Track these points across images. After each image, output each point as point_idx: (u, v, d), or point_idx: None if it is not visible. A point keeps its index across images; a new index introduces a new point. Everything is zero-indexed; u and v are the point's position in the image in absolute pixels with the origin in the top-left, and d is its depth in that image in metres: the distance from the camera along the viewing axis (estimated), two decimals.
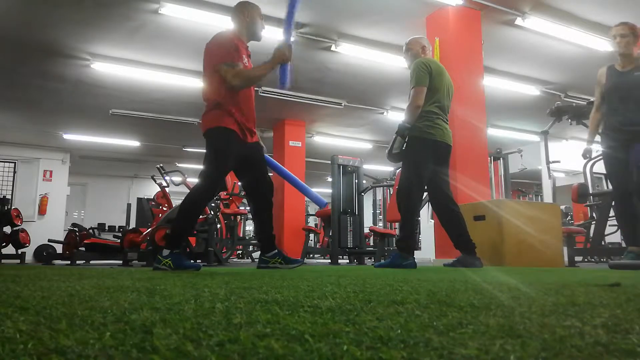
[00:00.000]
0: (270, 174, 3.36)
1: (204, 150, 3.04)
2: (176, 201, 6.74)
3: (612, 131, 3.65)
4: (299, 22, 6.16)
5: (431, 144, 3.49)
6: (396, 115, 9.16)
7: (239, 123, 3.01)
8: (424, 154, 3.50)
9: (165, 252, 2.91)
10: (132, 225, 11.79)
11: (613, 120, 3.64)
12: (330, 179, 7.94)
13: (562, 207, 6.54)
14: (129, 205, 13.13)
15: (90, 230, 8.87)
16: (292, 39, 3.19)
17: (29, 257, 8.94)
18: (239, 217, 7.63)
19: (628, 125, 3.55)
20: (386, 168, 12.77)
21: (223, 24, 5.88)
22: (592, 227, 6.48)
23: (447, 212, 3.60)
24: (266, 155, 3.36)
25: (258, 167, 3.21)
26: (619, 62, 3.78)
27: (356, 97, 8.79)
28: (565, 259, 5.40)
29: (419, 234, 10.37)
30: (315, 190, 3.49)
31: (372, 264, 5.08)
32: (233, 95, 3.00)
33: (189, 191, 3.11)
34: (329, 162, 7.82)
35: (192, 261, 3.93)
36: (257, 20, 3.20)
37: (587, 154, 4.09)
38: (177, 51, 6.81)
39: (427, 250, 8.98)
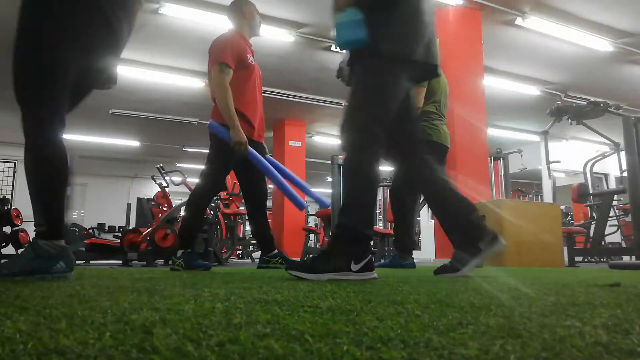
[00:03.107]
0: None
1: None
2: (176, 201, 6.75)
3: None
4: (299, 22, 6.16)
5: (427, 145, 3.51)
6: None
7: (245, 117, 3.03)
8: None
9: (179, 253, 3.02)
10: (132, 225, 11.76)
11: None
12: (330, 179, 7.94)
13: (562, 207, 6.54)
14: (129, 205, 13.09)
15: (90, 230, 8.86)
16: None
17: None
18: (239, 217, 7.63)
19: None
20: (386, 168, 12.76)
21: (223, 24, 5.89)
22: (592, 227, 6.48)
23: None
24: (269, 157, 3.36)
25: (257, 168, 3.21)
26: None
27: None
28: (565, 259, 5.40)
29: (419, 234, 10.37)
30: (315, 190, 3.47)
31: None
32: (239, 94, 3.02)
33: (192, 190, 3.16)
34: (329, 162, 7.81)
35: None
36: (255, 17, 3.22)
37: None
38: (177, 51, 6.81)
39: (427, 250, 8.98)
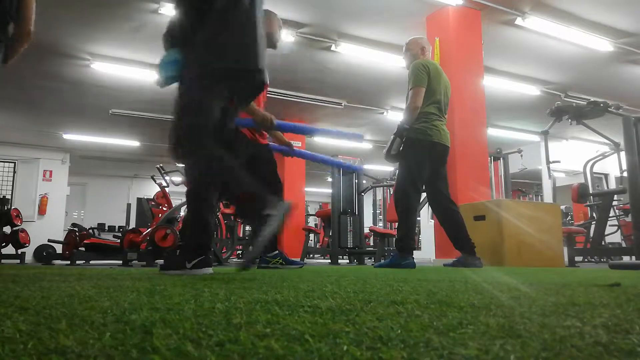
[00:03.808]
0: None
1: None
2: (176, 201, 6.75)
3: None
4: (299, 22, 6.16)
5: (428, 145, 3.52)
6: (396, 115, 9.17)
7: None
8: (421, 155, 3.52)
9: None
10: (132, 225, 11.78)
11: None
12: (330, 179, 7.94)
13: (562, 207, 6.54)
14: (128, 205, 13.12)
15: (90, 230, 8.86)
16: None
17: (28, 257, 8.94)
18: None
19: None
20: (386, 168, 12.77)
21: None
22: (592, 227, 6.49)
23: (446, 212, 3.61)
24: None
25: (265, 169, 3.25)
26: None
27: (356, 97, 8.79)
28: (565, 259, 5.40)
29: (419, 234, 10.38)
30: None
31: (372, 264, 5.09)
32: None
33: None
34: None
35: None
36: (275, 30, 3.22)
37: None
38: None
39: (427, 250, 8.99)
